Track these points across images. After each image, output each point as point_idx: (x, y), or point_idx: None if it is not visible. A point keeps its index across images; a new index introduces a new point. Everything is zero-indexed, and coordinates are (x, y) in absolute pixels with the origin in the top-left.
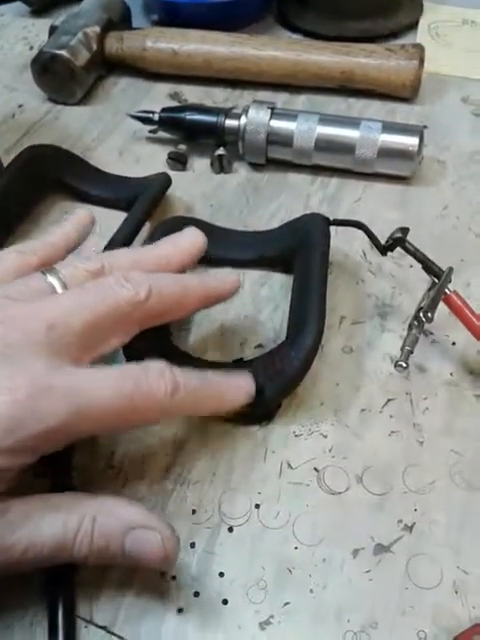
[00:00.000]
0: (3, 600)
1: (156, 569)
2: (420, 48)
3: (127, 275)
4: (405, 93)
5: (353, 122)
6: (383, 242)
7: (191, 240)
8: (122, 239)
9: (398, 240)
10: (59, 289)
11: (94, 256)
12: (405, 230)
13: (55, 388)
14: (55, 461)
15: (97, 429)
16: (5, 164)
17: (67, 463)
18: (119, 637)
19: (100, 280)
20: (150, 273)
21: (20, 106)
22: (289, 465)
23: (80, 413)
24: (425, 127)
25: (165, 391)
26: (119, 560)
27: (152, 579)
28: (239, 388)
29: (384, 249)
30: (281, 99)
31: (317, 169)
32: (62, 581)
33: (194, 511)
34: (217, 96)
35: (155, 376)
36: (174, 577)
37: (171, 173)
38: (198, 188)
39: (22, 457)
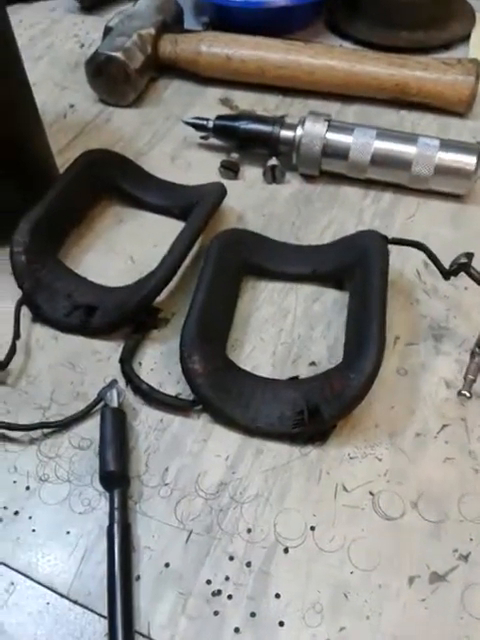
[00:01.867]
0: (64, 617)
1: None
2: (477, 63)
3: None
4: (460, 108)
5: (410, 138)
6: (446, 265)
7: None
8: (180, 250)
9: (463, 265)
10: None
11: None
12: (470, 255)
13: None
14: None
15: None
16: (57, 165)
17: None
18: None
19: None
20: None
21: (72, 106)
22: (344, 488)
23: None
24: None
25: None
26: None
27: (209, 597)
28: None
29: (448, 273)
30: (333, 109)
31: (370, 183)
32: (121, 597)
33: (249, 530)
34: (268, 103)
35: None
36: (230, 596)
37: (223, 181)
38: (250, 198)
39: None
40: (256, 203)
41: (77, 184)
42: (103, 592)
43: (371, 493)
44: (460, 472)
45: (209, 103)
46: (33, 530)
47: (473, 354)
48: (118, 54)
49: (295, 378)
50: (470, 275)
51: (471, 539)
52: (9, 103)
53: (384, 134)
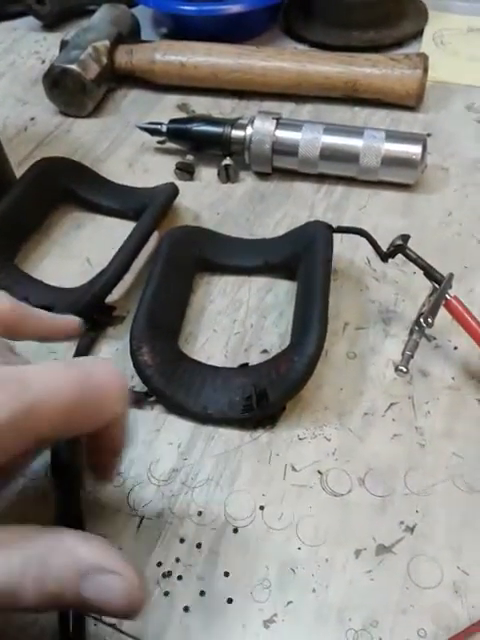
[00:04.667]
0: None
1: (120, 617)
2: (424, 57)
3: None
4: (410, 102)
5: (357, 131)
6: (385, 249)
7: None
8: (131, 248)
9: (399, 247)
10: None
11: None
12: (406, 237)
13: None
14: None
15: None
16: (17, 176)
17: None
18: (127, 635)
19: None
20: None
21: (32, 119)
22: (293, 468)
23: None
24: (429, 135)
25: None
26: (77, 607)
27: (159, 579)
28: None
29: (385, 256)
30: (287, 109)
31: (322, 177)
32: None
33: (200, 513)
34: (224, 106)
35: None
36: (180, 577)
37: (179, 183)
38: (205, 197)
39: None
40: (212, 202)
41: (32, 191)
42: None
43: (319, 472)
44: (407, 448)
45: (167, 109)
46: None
47: (411, 332)
48: (73, 66)
49: (245, 365)
50: (406, 255)
51: (417, 511)
52: None
53: (332, 129)
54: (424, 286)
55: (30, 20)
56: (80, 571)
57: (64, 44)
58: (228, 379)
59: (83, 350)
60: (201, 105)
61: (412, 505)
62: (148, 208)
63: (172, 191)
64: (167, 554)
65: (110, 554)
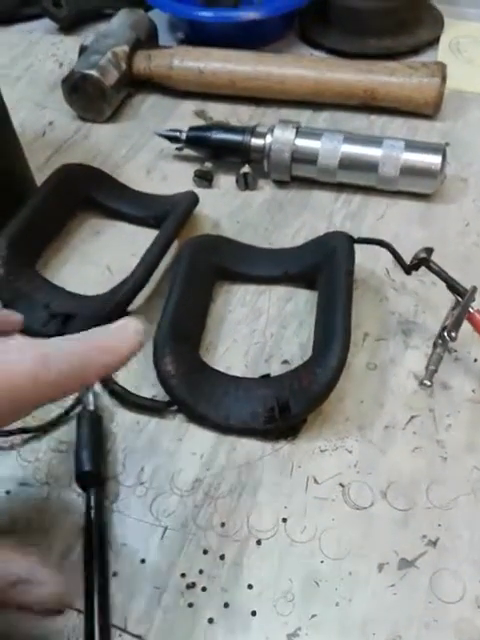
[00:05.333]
0: None
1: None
2: (442, 66)
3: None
4: (427, 110)
5: (376, 141)
6: (408, 261)
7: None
8: (153, 257)
9: (423, 260)
10: None
11: None
12: (429, 250)
13: None
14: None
15: None
16: (37, 181)
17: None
18: None
19: None
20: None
21: (50, 124)
22: (315, 480)
23: None
24: (447, 144)
25: (32, 369)
26: (11, 607)
27: (183, 590)
28: (124, 338)
29: (409, 268)
30: (304, 116)
31: (341, 186)
32: (98, 593)
33: (223, 524)
34: (242, 113)
35: (17, 354)
36: (204, 588)
37: (197, 190)
38: (224, 205)
39: None
40: (230, 210)
41: (53, 198)
42: (81, 589)
43: (341, 484)
44: (428, 461)
45: (184, 116)
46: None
47: (435, 345)
48: (92, 71)
49: (267, 376)
50: (429, 268)
51: (439, 525)
52: None
53: (351, 138)
54: (444, 297)
55: (46, 22)
56: (11, 582)
57: (83, 49)
58: (250, 390)
59: None
60: (218, 112)
61: (434, 519)
62: (169, 216)
63: (192, 199)
64: (191, 565)
65: (38, 568)
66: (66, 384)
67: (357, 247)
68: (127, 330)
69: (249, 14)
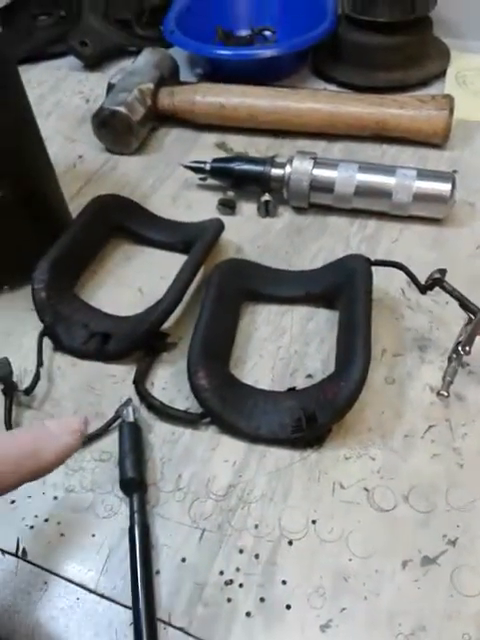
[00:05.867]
0: (93, 610)
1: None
2: (450, 98)
3: None
4: (436, 140)
5: (389, 170)
6: (423, 281)
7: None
8: (184, 280)
9: (437, 280)
10: None
11: None
12: (443, 271)
13: None
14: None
15: None
16: (70, 210)
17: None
18: (195, 637)
19: None
20: None
21: (80, 157)
22: (341, 485)
23: None
24: (455, 171)
25: None
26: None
27: (222, 586)
28: (59, 436)
29: (424, 288)
30: (320, 147)
31: (356, 212)
32: (143, 589)
33: (257, 526)
34: (260, 145)
35: None
36: (241, 585)
37: (221, 217)
38: (246, 231)
39: None
40: (252, 235)
41: (89, 226)
42: (127, 586)
43: (366, 489)
44: (446, 467)
45: (206, 147)
46: (62, 534)
47: (450, 359)
48: (121, 108)
49: (293, 389)
50: (443, 288)
51: (458, 526)
52: (27, 159)
53: (366, 167)
54: (456, 315)
55: (72, 60)
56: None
57: (111, 87)
58: (278, 402)
59: (141, 374)
60: (238, 143)
61: (453, 520)
62: (198, 242)
63: (219, 226)
64: (228, 564)
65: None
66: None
67: (374, 268)
68: (66, 429)
69: (267, 52)
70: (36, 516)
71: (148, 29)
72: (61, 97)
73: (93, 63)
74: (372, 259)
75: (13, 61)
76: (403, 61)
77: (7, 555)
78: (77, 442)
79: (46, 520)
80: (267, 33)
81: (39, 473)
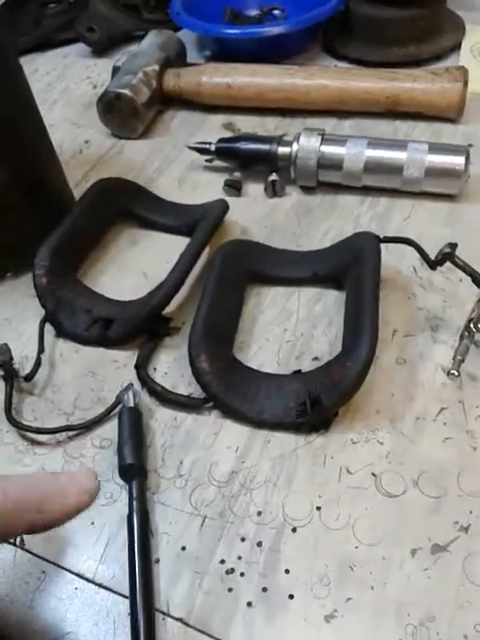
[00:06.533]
0: (91, 600)
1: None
2: (464, 70)
3: None
4: (450, 114)
5: (400, 144)
6: (433, 257)
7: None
8: (186, 263)
9: (447, 255)
10: None
11: None
12: (454, 245)
13: None
14: None
15: None
16: (74, 196)
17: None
18: (194, 628)
19: None
20: None
21: (87, 142)
22: (348, 470)
23: None
24: (470, 145)
25: None
26: None
27: (223, 575)
28: (73, 494)
29: (434, 264)
30: (330, 124)
31: (366, 190)
32: (141, 578)
33: (259, 513)
34: (269, 124)
35: None
36: (243, 574)
37: (227, 199)
38: (253, 212)
39: None
40: (259, 216)
41: (91, 210)
42: (126, 575)
43: (373, 474)
44: (459, 450)
45: (213, 129)
46: None
47: (462, 337)
48: (125, 91)
49: (298, 372)
50: (454, 263)
51: (470, 512)
52: (27, 145)
53: (375, 143)
54: (470, 293)
55: (80, 46)
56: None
57: (115, 70)
58: (282, 385)
59: (143, 359)
60: (246, 123)
61: (466, 506)
62: (200, 224)
63: (223, 207)
64: (229, 552)
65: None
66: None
67: (384, 247)
68: (79, 482)
69: (275, 29)
70: None
71: (156, 13)
72: (68, 84)
73: (101, 49)
74: (381, 236)
75: (12, 48)
76: (417, 35)
77: (5, 544)
78: (87, 503)
79: None
80: (276, 12)
81: (39, 527)
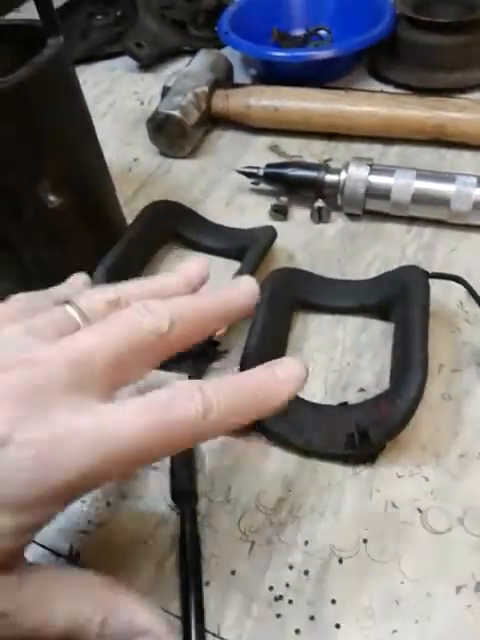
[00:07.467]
0: None
1: None
2: None
3: (147, 305)
4: None
5: (449, 177)
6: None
7: (194, 268)
8: None
9: None
10: (80, 321)
11: (107, 287)
12: None
13: (79, 434)
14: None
15: (128, 470)
16: (124, 214)
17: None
18: None
19: (122, 313)
20: (167, 300)
21: (135, 160)
22: (394, 504)
23: (108, 459)
24: None
25: (197, 414)
26: None
27: (271, 602)
28: (285, 381)
29: None
30: (375, 151)
31: (412, 219)
32: (194, 599)
33: (307, 542)
34: (314, 148)
35: (184, 400)
36: (291, 601)
37: (273, 223)
38: (299, 237)
39: (47, 510)
40: (304, 242)
41: (143, 232)
42: (177, 595)
43: (419, 509)
44: None
45: (259, 151)
46: (113, 540)
47: None
48: (176, 112)
49: (345, 404)
50: None
51: None
52: (86, 168)
53: (423, 174)
54: None
55: (127, 60)
56: (131, 635)
57: (166, 90)
58: (330, 416)
59: None
60: (292, 146)
61: None
62: (251, 249)
63: (272, 235)
64: (278, 579)
65: (158, 620)
66: (229, 422)
67: (431, 280)
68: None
69: (323, 54)
70: (89, 521)
71: (203, 30)
72: (116, 98)
73: (148, 64)
74: (429, 271)
75: (74, 74)
76: (462, 61)
77: (52, 556)
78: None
79: (99, 525)
80: (322, 32)
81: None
